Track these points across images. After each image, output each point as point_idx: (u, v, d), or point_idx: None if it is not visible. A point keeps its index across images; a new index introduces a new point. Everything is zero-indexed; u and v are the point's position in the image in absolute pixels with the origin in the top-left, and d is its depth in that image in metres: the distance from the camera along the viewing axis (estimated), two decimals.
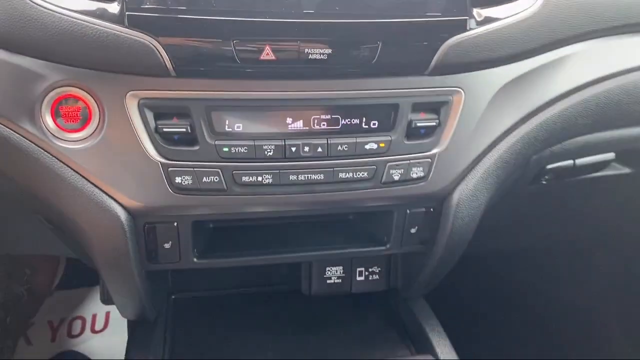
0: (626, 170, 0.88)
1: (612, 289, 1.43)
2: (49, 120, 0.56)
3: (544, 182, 0.83)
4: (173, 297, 0.83)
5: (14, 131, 0.56)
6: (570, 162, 0.80)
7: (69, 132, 0.57)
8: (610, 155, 0.82)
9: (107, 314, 1.34)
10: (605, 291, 1.42)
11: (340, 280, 0.80)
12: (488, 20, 0.60)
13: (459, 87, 0.63)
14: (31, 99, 0.55)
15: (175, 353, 0.76)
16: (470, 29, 0.59)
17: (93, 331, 1.31)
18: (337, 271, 0.79)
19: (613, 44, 0.70)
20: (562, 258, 1.36)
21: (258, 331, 0.80)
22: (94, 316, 1.33)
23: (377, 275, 0.81)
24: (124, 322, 1.31)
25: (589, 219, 1.19)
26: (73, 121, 0.57)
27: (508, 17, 0.61)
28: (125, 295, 0.69)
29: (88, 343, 1.29)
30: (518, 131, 0.68)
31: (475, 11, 0.60)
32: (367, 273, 0.80)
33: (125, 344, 1.27)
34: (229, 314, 0.83)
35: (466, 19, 0.59)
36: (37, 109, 0.56)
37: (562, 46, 0.67)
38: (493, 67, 0.64)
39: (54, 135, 0.57)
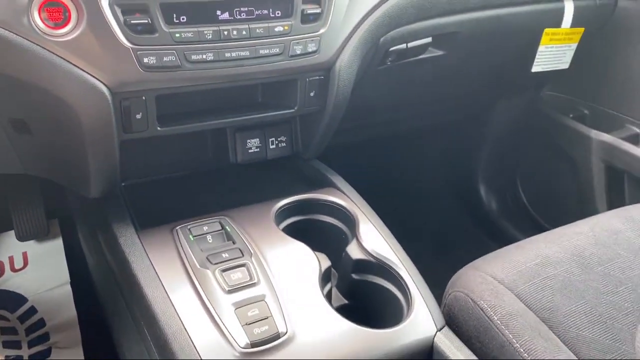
0: (439, 52, 1.24)
1: (439, 166, 1.88)
2: (38, 20, 0.73)
3: (389, 63, 1.16)
4: (123, 184, 1.01)
5: (13, 32, 0.72)
6: (404, 45, 1.13)
7: (54, 29, 0.74)
8: (429, 39, 1.17)
9: (25, 254, 1.42)
10: (437, 165, 1.86)
11: (258, 150, 1.04)
12: None
13: None
14: (22, 5, 0.71)
15: (137, 216, 0.94)
16: None
17: (13, 270, 1.39)
18: (255, 142, 1.04)
19: None
20: (404, 142, 1.76)
21: (201, 196, 1.02)
22: (11, 258, 1.40)
23: (284, 143, 1.07)
24: (44, 257, 1.43)
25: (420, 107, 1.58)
26: (57, 20, 0.73)
27: None
28: (103, 166, 0.86)
29: (11, 281, 1.37)
30: (371, 17, 0.98)
31: None
32: (277, 142, 1.06)
33: (49, 277, 1.39)
34: (173, 190, 1.03)
35: None
36: (28, 13, 0.72)
37: None
38: None
39: (44, 33, 0.73)
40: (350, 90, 1.01)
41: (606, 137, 1.41)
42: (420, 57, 1.21)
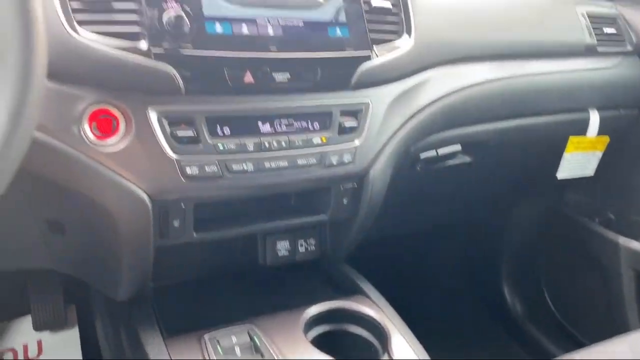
0: (468, 159, 1.26)
1: (462, 265, 1.86)
2: (87, 131, 0.74)
3: (418, 169, 1.17)
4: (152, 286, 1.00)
5: (62, 142, 0.73)
6: (434, 152, 1.15)
7: (102, 139, 0.75)
8: (458, 147, 1.19)
9: (39, 342, 1.38)
10: (459, 265, 1.83)
11: (287, 253, 1.04)
12: (382, 54, 0.92)
13: (368, 99, 0.93)
14: (74, 116, 0.73)
15: (164, 320, 0.92)
16: (372, 59, 0.91)
17: (27, 359, 1.35)
18: (284, 245, 1.03)
19: (456, 69, 1.07)
20: (427, 239, 1.74)
21: (229, 299, 1.00)
22: (25, 346, 1.37)
23: (313, 247, 1.06)
24: (59, 347, 1.40)
25: (440, 207, 1.58)
26: (106, 131, 0.75)
27: (394, 50, 0.94)
28: (136, 270, 0.86)
29: None
30: (404, 128, 1.00)
31: (375, 47, 0.91)
32: (306, 245, 1.05)
33: None
34: (200, 291, 1.02)
35: (370, 53, 0.90)
36: (78, 124, 0.74)
37: (425, 70, 1.02)
38: (387, 84, 0.95)
39: (91, 143, 0.74)
40: (383, 197, 1.02)
41: (635, 244, 1.39)
42: (449, 163, 1.22)
